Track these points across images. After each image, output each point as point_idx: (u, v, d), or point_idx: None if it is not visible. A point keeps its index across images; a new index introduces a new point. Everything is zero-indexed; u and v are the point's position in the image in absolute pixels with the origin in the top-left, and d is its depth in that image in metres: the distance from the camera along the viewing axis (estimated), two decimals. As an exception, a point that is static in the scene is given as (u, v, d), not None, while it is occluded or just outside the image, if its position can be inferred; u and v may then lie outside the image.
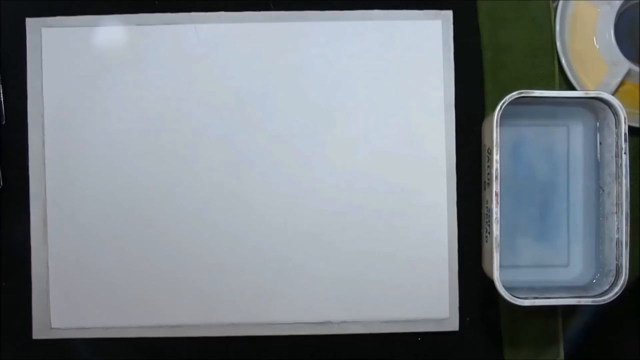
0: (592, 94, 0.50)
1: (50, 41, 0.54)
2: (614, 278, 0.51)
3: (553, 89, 0.55)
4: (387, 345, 0.55)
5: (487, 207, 0.52)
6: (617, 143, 0.50)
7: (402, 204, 0.55)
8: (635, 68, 0.53)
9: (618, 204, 0.50)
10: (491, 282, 0.49)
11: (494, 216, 0.49)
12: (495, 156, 0.49)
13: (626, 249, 0.50)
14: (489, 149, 0.51)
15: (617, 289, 0.50)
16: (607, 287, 0.51)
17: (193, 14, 0.55)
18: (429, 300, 0.55)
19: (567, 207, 0.55)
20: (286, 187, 0.54)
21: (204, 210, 0.54)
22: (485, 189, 0.53)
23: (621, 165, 0.50)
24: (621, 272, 0.50)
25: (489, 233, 0.51)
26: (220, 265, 0.54)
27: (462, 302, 0.55)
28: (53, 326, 0.54)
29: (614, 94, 0.54)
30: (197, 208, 0.54)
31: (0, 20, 0.55)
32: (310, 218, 0.54)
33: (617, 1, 0.53)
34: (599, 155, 0.53)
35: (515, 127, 0.54)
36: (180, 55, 0.54)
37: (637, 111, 0.54)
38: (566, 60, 0.55)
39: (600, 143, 0.53)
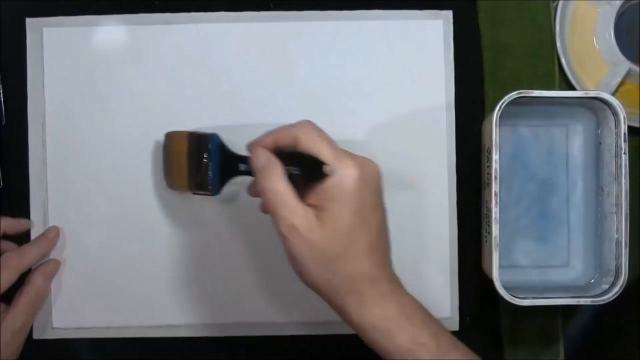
0: (592, 94, 0.50)
1: (51, 41, 0.54)
2: (613, 278, 0.51)
3: (553, 89, 0.55)
4: (387, 345, 0.55)
5: (486, 207, 0.52)
6: (616, 143, 0.50)
7: (402, 204, 0.54)
8: (635, 68, 0.53)
9: (618, 204, 0.50)
10: (491, 282, 0.49)
11: (494, 216, 0.49)
12: (495, 156, 0.49)
13: (626, 248, 0.50)
14: (488, 148, 0.51)
15: (616, 289, 0.50)
16: (606, 287, 0.51)
17: (193, 14, 0.55)
18: (430, 300, 0.55)
19: (566, 207, 0.55)
20: (286, 187, 0.54)
21: (204, 210, 0.54)
22: (485, 189, 0.53)
23: (621, 165, 0.50)
24: (620, 272, 0.50)
25: (488, 233, 0.51)
26: (220, 265, 0.54)
27: (462, 302, 0.55)
28: (53, 326, 0.54)
29: (614, 94, 0.54)
30: (196, 207, 0.54)
31: (0, 20, 0.55)
32: (310, 218, 0.54)
33: (617, 1, 0.53)
34: (598, 155, 0.53)
35: (515, 127, 0.54)
36: (180, 55, 0.54)
37: (637, 111, 0.54)
38: (566, 60, 0.55)
39: (600, 143, 0.53)
